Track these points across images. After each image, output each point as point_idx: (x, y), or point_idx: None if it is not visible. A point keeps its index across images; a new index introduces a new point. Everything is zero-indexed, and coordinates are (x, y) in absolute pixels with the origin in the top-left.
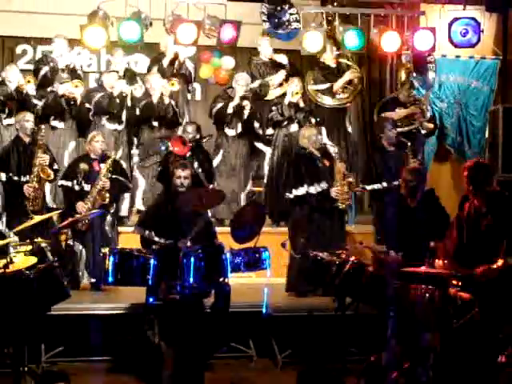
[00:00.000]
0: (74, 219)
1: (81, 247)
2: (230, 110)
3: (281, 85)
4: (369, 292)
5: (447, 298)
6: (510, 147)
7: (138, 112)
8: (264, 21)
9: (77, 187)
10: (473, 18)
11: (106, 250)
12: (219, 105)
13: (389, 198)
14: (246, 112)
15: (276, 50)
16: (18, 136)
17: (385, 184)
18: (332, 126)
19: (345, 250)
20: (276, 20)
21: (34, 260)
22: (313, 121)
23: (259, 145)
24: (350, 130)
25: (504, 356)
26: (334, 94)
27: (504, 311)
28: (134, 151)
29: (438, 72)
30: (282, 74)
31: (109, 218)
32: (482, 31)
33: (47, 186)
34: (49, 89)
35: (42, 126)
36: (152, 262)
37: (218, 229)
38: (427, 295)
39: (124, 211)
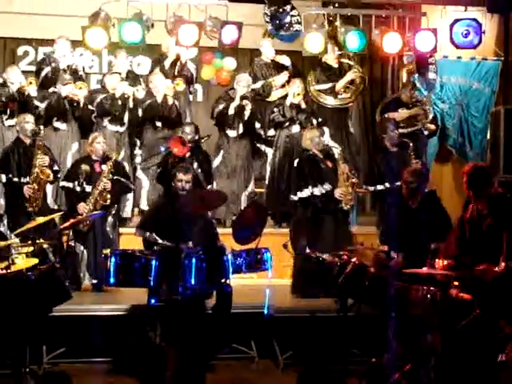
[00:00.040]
0: (76, 220)
1: (82, 248)
2: (231, 111)
3: (283, 86)
4: (370, 293)
5: (448, 299)
6: (511, 148)
7: (140, 113)
8: (267, 22)
9: (78, 188)
10: (474, 19)
11: (107, 251)
12: (221, 106)
13: (390, 199)
14: (247, 112)
15: (277, 51)
16: (18, 137)
17: (387, 185)
18: (334, 126)
19: (348, 251)
20: (277, 21)
21: (35, 261)
22: (314, 122)
23: (261, 146)
24: (351, 130)
25: (504, 355)
26: (336, 93)
27: (504, 312)
28: (137, 151)
29: (439, 73)
30: (285, 75)
31: (110, 219)
32: (484, 32)
33: (49, 188)
34: (51, 90)
35: (41, 127)
36: (153, 263)
37: (219, 230)
38: (429, 296)
39: (127, 212)
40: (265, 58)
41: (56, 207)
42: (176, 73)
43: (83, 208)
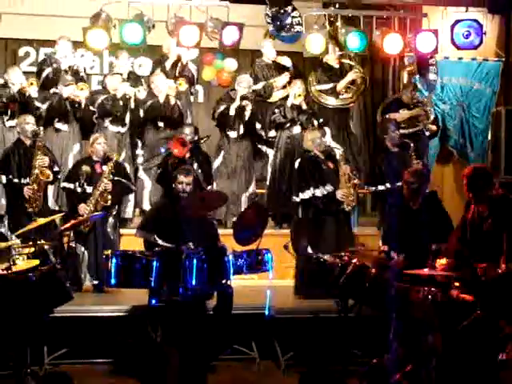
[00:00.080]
0: (76, 221)
1: (83, 249)
2: (232, 112)
3: (284, 87)
4: (371, 294)
5: (449, 300)
6: None
7: (141, 114)
8: (268, 23)
9: (79, 189)
10: (475, 20)
11: (108, 252)
12: (222, 107)
13: (391, 200)
14: (247, 113)
15: (278, 52)
16: (19, 139)
17: (388, 185)
18: (335, 126)
19: (349, 252)
20: (279, 23)
21: (36, 262)
22: (315, 123)
23: (262, 147)
24: (353, 130)
25: (504, 354)
26: (337, 94)
27: (505, 313)
28: (139, 152)
29: (440, 74)
30: (286, 76)
31: (111, 219)
32: (485, 33)
33: (50, 189)
34: (52, 90)
35: (41, 128)
36: (154, 263)
37: (220, 231)
38: (429, 297)
39: (128, 213)
40: (266, 59)
41: (57, 208)
42: (177, 74)
43: (84, 209)
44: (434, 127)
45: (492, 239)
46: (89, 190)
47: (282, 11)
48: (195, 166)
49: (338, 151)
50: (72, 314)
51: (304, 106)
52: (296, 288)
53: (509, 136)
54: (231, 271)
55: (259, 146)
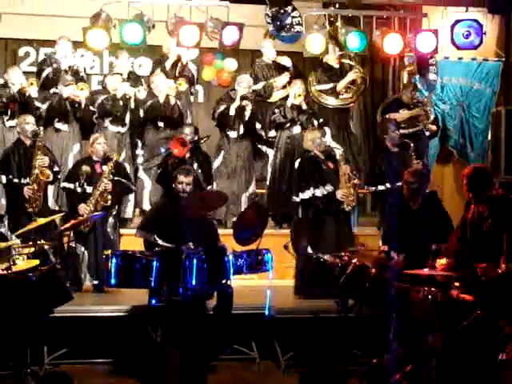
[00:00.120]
0: (76, 221)
1: (83, 249)
2: (232, 112)
3: (284, 87)
4: (371, 294)
5: (449, 300)
6: None
7: (141, 114)
8: (268, 23)
9: (79, 189)
10: (475, 20)
11: (108, 252)
12: (222, 107)
13: (391, 199)
14: (247, 113)
15: (278, 52)
16: (19, 139)
17: (388, 185)
18: (335, 126)
19: (349, 252)
20: (278, 23)
21: (36, 262)
22: (315, 123)
23: (262, 147)
24: (353, 130)
25: (504, 354)
26: (337, 94)
27: (505, 313)
28: (139, 152)
29: (440, 74)
30: (286, 76)
31: (111, 219)
32: (485, 33)
33: (50, 189)
34: (52, 90)
35: (41, 128)
36: (154, 263)
37: (220, 231)
38: (429, 297)
39: (129, 213)
40: (266, 59)
41: (57, 208)
42: (177, 74)
43: (84, 209)
44: (433, 127)
45: (492, 239)
46: (89, 190)
47: (282, 11)
48: (195, 166)
49: (338, 151)
50: (72, 313)
51: (304, 106)
52: (296, 288)
53: (509, 136)
54: (231, 271)
55: (259, 146)
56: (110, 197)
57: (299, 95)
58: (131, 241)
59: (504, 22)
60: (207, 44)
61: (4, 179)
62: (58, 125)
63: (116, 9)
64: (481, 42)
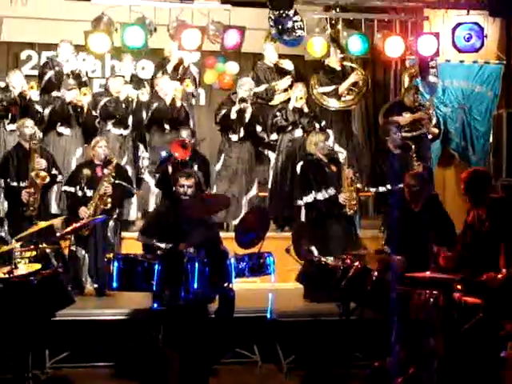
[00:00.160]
0: (77, 226)
1: (83, 252)
2: (233, 116)
3: (285, 90)
4: (373, 297)
5: (452, 303)
6: None
7: (144, 116)
8: (271, 26)
9: (79, 193)
10: (476, 23)
11: (110, 255)
12: (223, 111)
13: (392, 201)
14: (247, 115)
15: (280, 55)
16: (18, 142)
17: (389, 186)
18: (337, 128)
19: (352, 255)
20: (280, 26)
21: (38, 266)
22: (317, 126)
23: (264, 150)
24: (355, 132)
25: (505, 352)
26: (339, 96)
27: (506, 316)
28: (145, 154)
29: (441, 77)
30: (288, 79)
31: (111, 223)
32: (486, 36)
33: (52, 193)
34: (54, 94)
35: (37, 131)
36: (156, 267)
37: (221, 234)
38: (431, 300)
39: (132, 216)
40: (268, 62)
41: (59, 212)
42: (179, 77)
43: (84, 212)
44: (436, 130)
45: (491, 242)
46: (89, 193)
47: (283, 15)
48: (195, 168)
49: (342, 155)
50: (74, 317)
51: (306, 109)
52: (305, 291)
53: (510, 139)
54: (233, 274)
55: (261, 150)
56: (109, 200)
57: (301, 98)
58: (133, 244)
59: (505, 25)
60: (209, 47)
61: (2, 183)
62: (61, 129)
63: (118, 12)
64: (482, 44)
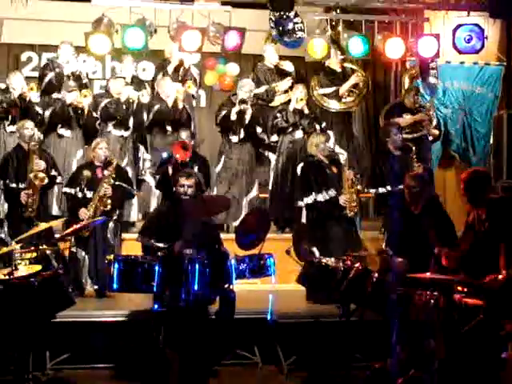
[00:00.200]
0: (77, 228)
1: (83, 254)
2: (233, 117)
3: (286, 91)
4: (374, 298)
5: (452, 304)
6: None
7: (145, 118)
8: (272, 27)
9: (80, 194)
10: (477, 25)
11: (110, 256)
12: (223, 112)
13: (392, 203)
14: (247, 116)
15: (280, 57)
16: (18, 144)
17: (389, 188)
18: (337, 130)
19: (352, 257)
20: (281, 28)
21: (38, 267)
22: (317, 127)
23: (264, 151)
24: (356, 133)
25: (506, 353)
26: (339, 97)
27: (508, 316)
28: (146, 156)
29: (442, 78)
30: (289, 81)
31: (111, 224)
32: (486, 37)
33: (53, 194)
34: (54, 96)
35: (37, 132)
36: (156, 268)
37: (222, 235)
38: (432, 301)
39: (133, 217)
40: (268, 64)
41: (60, 214)
42: (179, 78)
43: (84, 214)
44: (436, 132)
45: (490, 243)
46: (89, 194)
47: (284, 16)
48: (195, 169)
49: (342, 156)
50: (74, 318)
51: (306, 111)
52: (308, 293)
53: (511, 140)
54: (233, 276)
55: (261, 151)
56: (109, 201)
57: (301, 99)
58: (134, 245)
59: (505, 27)
60: (209, 49)
61: (2, 184)
62: (61, 131)
63: (118, 14)
64: (482, 46)
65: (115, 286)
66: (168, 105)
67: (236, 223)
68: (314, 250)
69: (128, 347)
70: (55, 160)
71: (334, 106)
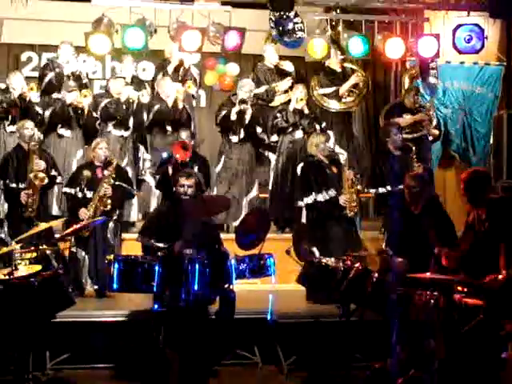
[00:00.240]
0: (77, 228)
1: (83, 254)
2: (233, 117)
3: (286, 91)
4: (374, 298)
5: (452, 304)
6: None
7: (145, 118)
8: (272, 27)
9: (79, 194)
10: (477, 25)
11: (110, 256)
12: (223, 112)
13: (392, 203)
14: (247, 116)
15: (280, 57)
16: (18, 144)
17: (389, 188)
18: (337, 130)
19: (352, 257)
20: (280, 28)
21: (38, 267)
22: (317, 127)
23: (264, 151)
24: (356, 133)
25: (506, 353)
26: (339, 97)
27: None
28: (147, 156)
29: (442, 78)
30: (289, 81)
31: (111, 224)
32: (486, 37)
33: (54, 194)
34: (54, 96)
35: (37, 132)
36: (156, 268)
37: (221, 235)
38: (432, 301)
39: (133, 217)
40: (268, 64)
41: (60, 214)
42: (179, 78)
43: (84, 214)
44: (436, 132)
45: (490, 243)
46: (89, 194)
47: (284, 16)
48: (195, 169)
49: (342, 156)
50: (74, 318)
51: (306, 111)
52: (308, 293)
53: (511, 140)
54: (234, 276)
55: (261, 151)
56: (109, 201)
57: (301, 99)
58: (134, 245)
59: (505, 27)
60: (209, 49)
61: (2, 184)
62: (61, 131)
63: (118, 14)
64: (482, 46)
65: (115, 285)
66: (168, 105)
67: (236, 223)
68: (314, 249)
69: (128, 347)
70: (55, 160)
71: (333, 106)
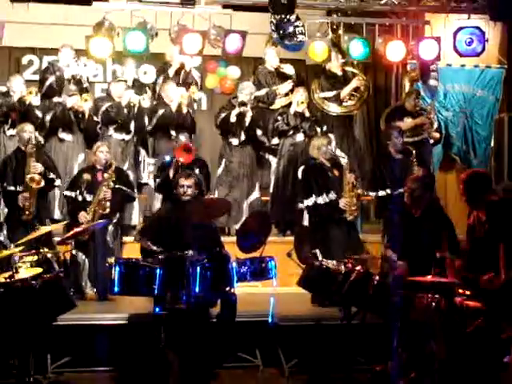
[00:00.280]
0: (77, 231)
1: (84, 257)
2: (233, 119)
3: (286, 94)
4: (375, 301)
5: (453, 307)
6: None
7: (146, 122)
8: (272, 30)
9: (80, 198)
10: (477, 27)
11: (111, 259)
12: (223, 114)
13: (393, 206)
14: (247, 119)
15: (281, 60)
16: (18, 147)
17: (389, 191)
18: (338, 133)
19: (353, 260)
20: (281, 31)
21: (39, 270)
22: (318, 130)
23: (265, 154)
24: (357, 137)
25: (509, 357)
26: (340, 101)
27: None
28: (150, 160)
29: (443, 81)
30: (290, 84)
31: (111, 227)
32: (487, 40)
33: (56, 198)
34: (55, 100)
35: (33, 136)
36: (158, 271)
37: (223, 238)
38: (433, 304)
39: (134, 220)
40: (269, 67)
41: (62, 217)
42: (180, 81)
43: (83, 217)
44: (437, 135)
45: (490, 245)
46: (89, 198)
47: (285, 19)
48: (197, 171)
49: (344, 159)
50: (75, 322)
51: (307, 114)
52: (312, 296)
53: None
54: (235, 279)
55: (262, 154)
56: (108, 205)
57: (302, 102)
58: (135, 248)
59: (506, 29)
60: (210, 52)
61: (0, 188)
62: (62, 135)
63: (119, 17)
64: (483, 49)
65: (116, 289)
66: (172, 109)
67: (237, 226)
68: (317, 252)
69: (129, 350)
70: (55, 163)
71: (334, 109)
